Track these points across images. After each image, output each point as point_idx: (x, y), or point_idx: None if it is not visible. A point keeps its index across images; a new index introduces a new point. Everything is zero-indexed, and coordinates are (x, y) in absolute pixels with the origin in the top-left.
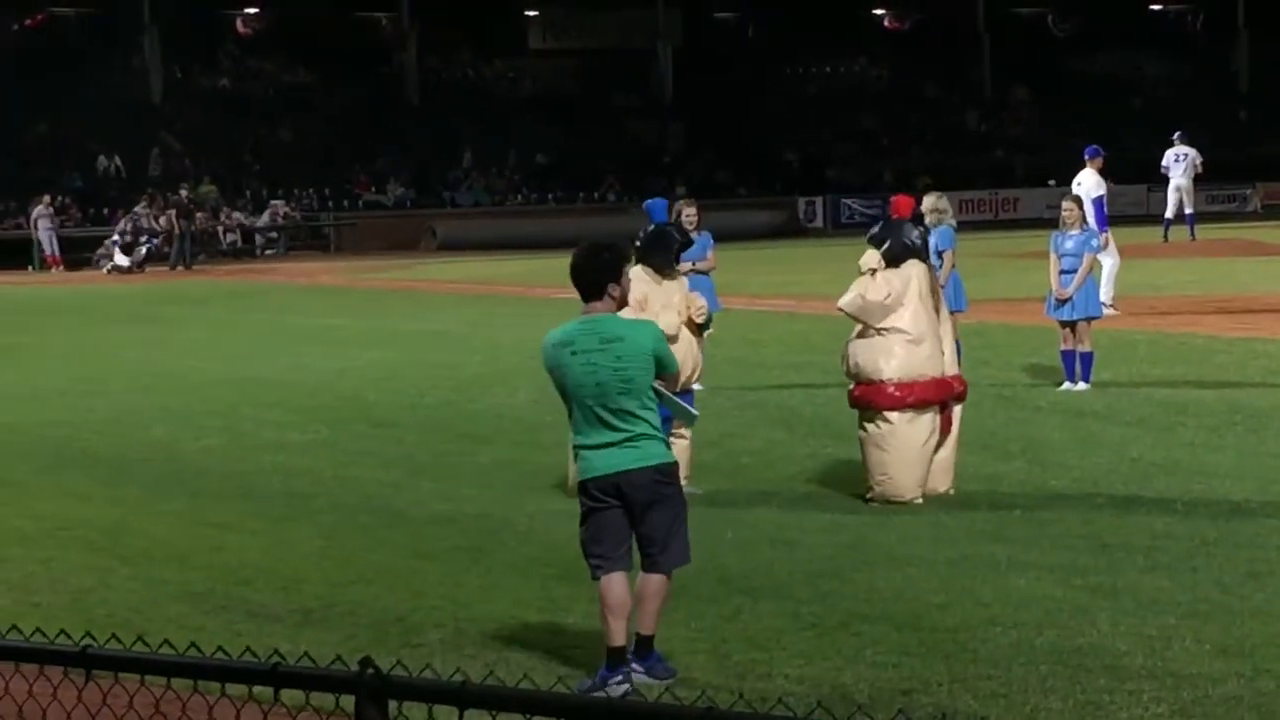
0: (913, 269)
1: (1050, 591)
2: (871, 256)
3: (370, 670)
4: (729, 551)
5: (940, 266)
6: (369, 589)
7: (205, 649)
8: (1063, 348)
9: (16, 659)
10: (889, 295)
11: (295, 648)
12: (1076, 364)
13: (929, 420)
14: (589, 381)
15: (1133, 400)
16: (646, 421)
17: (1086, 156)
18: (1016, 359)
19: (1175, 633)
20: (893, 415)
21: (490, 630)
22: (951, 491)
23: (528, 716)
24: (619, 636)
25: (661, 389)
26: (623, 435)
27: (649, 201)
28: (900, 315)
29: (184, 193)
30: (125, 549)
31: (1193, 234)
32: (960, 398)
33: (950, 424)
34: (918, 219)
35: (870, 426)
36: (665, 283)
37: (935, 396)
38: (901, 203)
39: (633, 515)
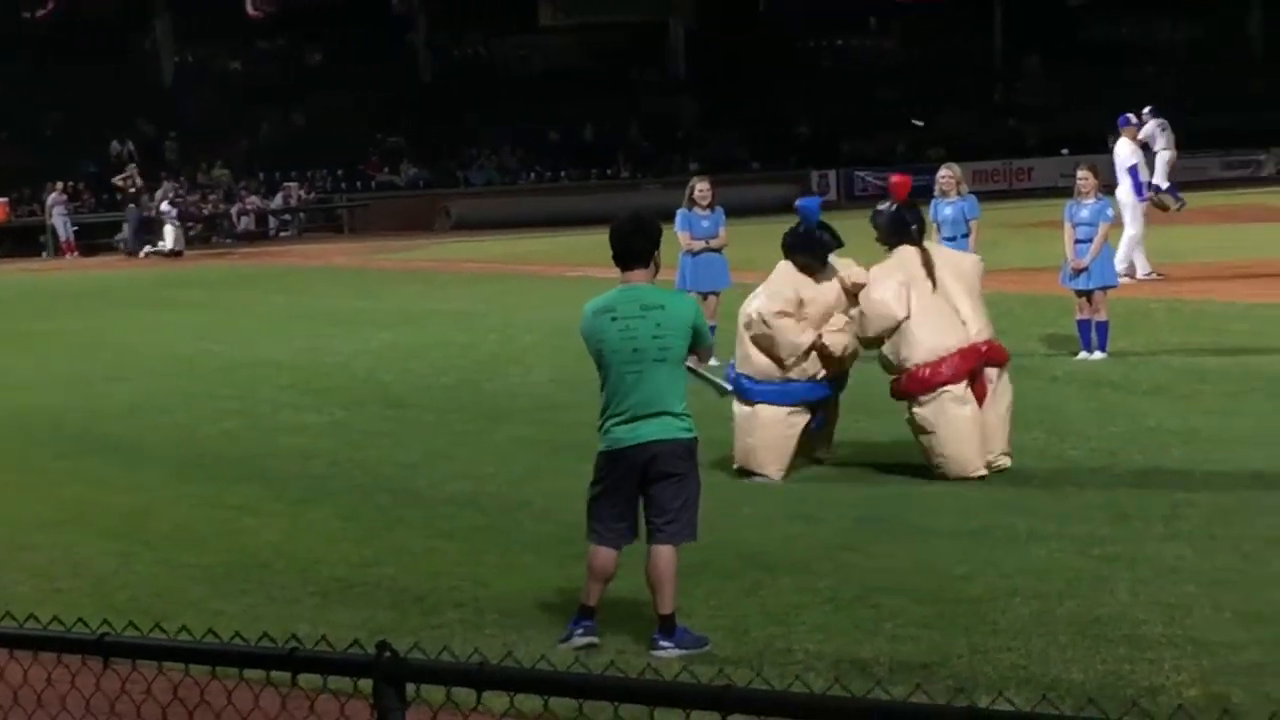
0: (904, 253)
1: (1070, 561)
2: (855, 272)
3: (387, 653)
4: (747, 527)
5: (969, 236)
6: (388, 569)
7: (225, 632)
8: (1079, 317)
9: (35, 647)
10: (884, 299)
11: (315, 630)
12: (1093, 333)
13: (964, 392)
14: (626, 348)
15: (1150, 369)
16: (676, 396)
17: (1120, 126)
18: (1033, 329)
19: (1195, 601)
20: (926, 397)
21: (509, 609)
22: (1007, 462)
23: (545, 697)
24: (593, 598)
25: (694, 365)
26: (650, 408)
27: (802, 200)
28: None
29: (123, 177)
30: (146, 533)
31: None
32: (993, 362)
33: (985, 390)
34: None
35: (915, 411)
36: (822, 281)
37: (965, 367)
38: (899, 183)
39: (648, 485)
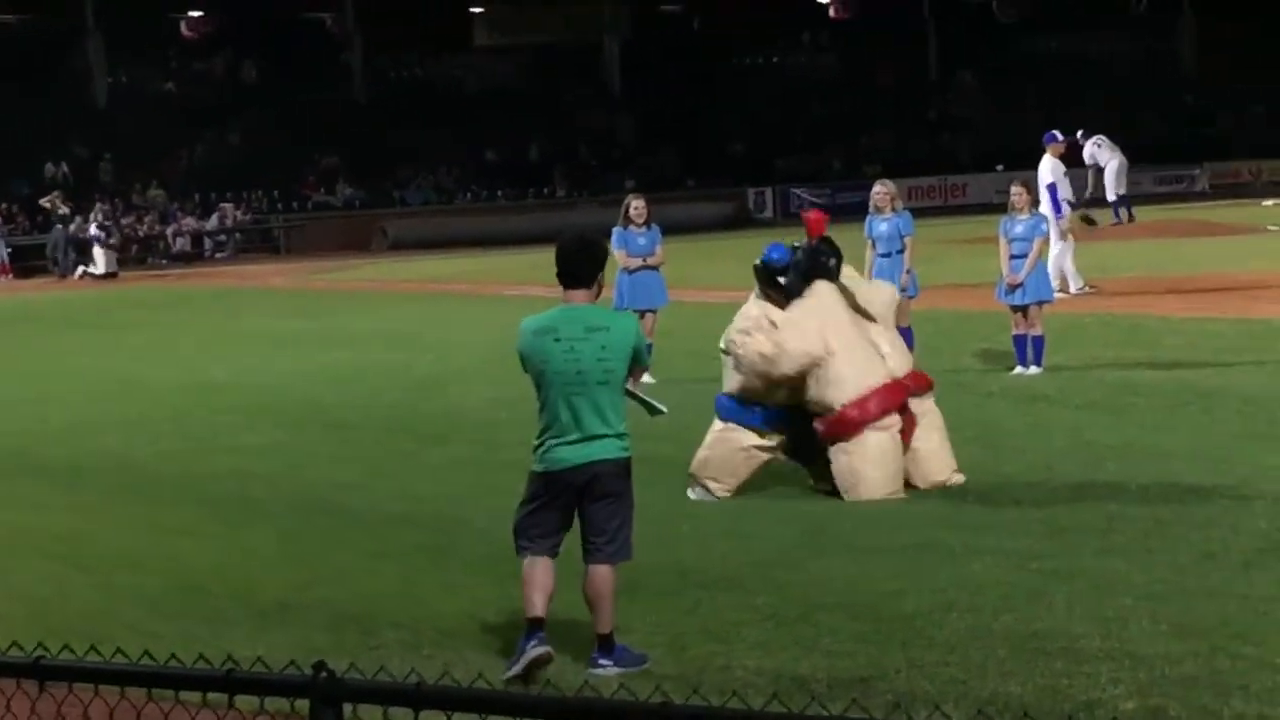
0: (819, 289)
1: (1006, 576)
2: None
3: (324, 674)
4: (685, 545)
5: (904, 252)
6: (326, 590)
7: (161, 655)
8: (1014, 332)
9: None
10: (797, 336)
11: (252, 652)
12: (1028, 348)
13: (893, 424)
14: (569, 369)
15: (1085, 383)
16: (617, 416)
17: (1046, 142)
18: (968, 345)
19: (1132, 614)
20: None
21: (448, 629)
22: (961, 478)
23: (483, 716)
24: (538, 609)
25: (630, 386)
26: (593, 429)
27: (770, 247)
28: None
29: (50, 200)
30: (82, 556)
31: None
32: (918, 392)
33: (913, 423)
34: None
35: (839, 444)
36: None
37: (893, 401)
38: (815, 220)
39: (586, 505)
